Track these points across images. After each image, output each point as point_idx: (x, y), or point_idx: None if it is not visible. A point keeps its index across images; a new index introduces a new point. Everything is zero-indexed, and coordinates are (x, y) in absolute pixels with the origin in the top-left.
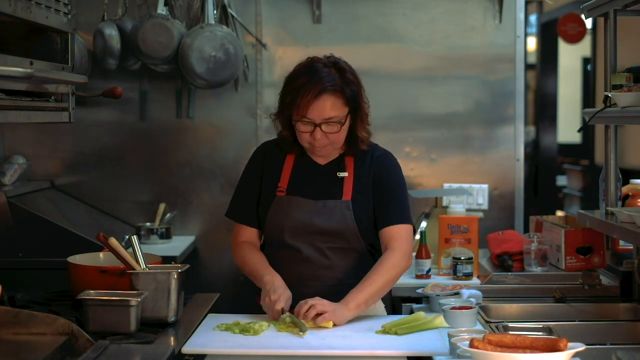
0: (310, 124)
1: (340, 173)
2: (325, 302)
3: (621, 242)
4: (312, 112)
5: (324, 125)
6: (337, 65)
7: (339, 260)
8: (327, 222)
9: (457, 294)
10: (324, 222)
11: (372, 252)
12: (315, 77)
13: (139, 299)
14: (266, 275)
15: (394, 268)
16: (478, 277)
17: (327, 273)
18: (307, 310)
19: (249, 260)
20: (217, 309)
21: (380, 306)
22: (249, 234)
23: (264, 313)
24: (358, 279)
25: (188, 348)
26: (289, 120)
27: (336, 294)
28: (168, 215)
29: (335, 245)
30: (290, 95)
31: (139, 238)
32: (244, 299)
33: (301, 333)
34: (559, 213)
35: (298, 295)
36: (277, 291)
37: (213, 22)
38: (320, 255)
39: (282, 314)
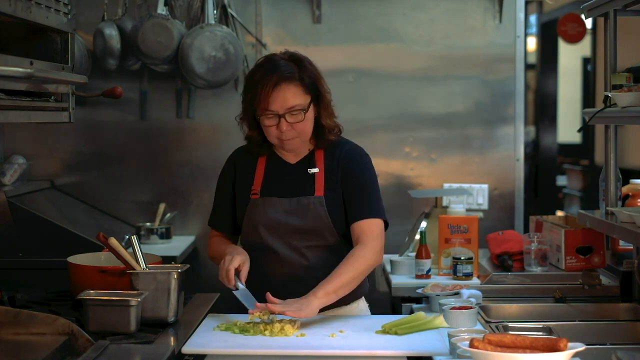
0: (275, 116)
1: (311, 169)
2: (286, 304)
3: (621, 242)
4: (273, 103)
5: (288, 115)
6: (293, 57)
7: (317, 259)
8: (302, 220)
9: (457, 294)
10: (299, 220)
11: (346, 244)
12: (272, 69)
13: (139, 299)
14: (229, 252)
15: (364, 261)
16: (478, 277)
17: (306, 273)
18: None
19: (215, 245)
20: (217, 309)
21: (364, 305)
22: (219, 236)
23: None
24: None
25: (188, 348)
26: (253, 118)
27: None
28: (168, 215)
29: (312, 244)
30: (250, 92)
31: (139, 238)
32: None
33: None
34: (559, 213)
35: (283, 298)
36: (234, 258)
37: (213, 22)
38: (297, 255)
39: (236, 275)
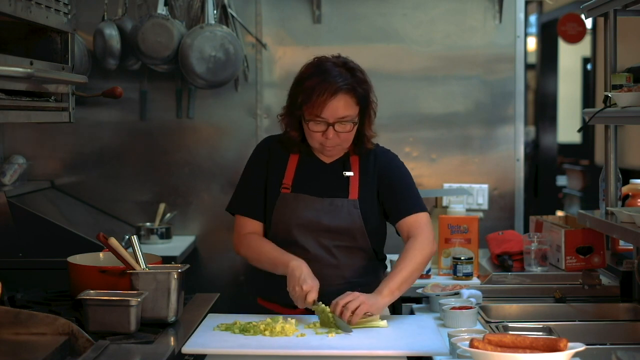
0: (324, 123)
1: (346, 172)
2: (356, 295)
3: (621, 242)
4: (326, 111)
5: (337, 124)
6: (346, 65)
7: (346, 259)
8: (335, 220)
9: (457, 294)
10: (332, 220)
11: (377, 253)
12: (329, 77)
13: (139, 299)
14: (292, 261)
15: (420, 252)
16: (478, 277)
17: (334, 272)
18: (342, 312)
19: (265, 249)
20: (217, 309)
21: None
22: (255, 226)
23: (264, 313)
24: (364, 278)
25: (188, 348)
26: (298, 120)
27: (342, 292)
28: (168, 215)
29: (342, 244)
30: (302, 95)
31: (139, 238)
32: (244, 299)
33: (345, 332)
34: (559, 213)
35: None
36: (307, 281)
37: (213, 22)
38: (327, 253)
39: (314, 305)
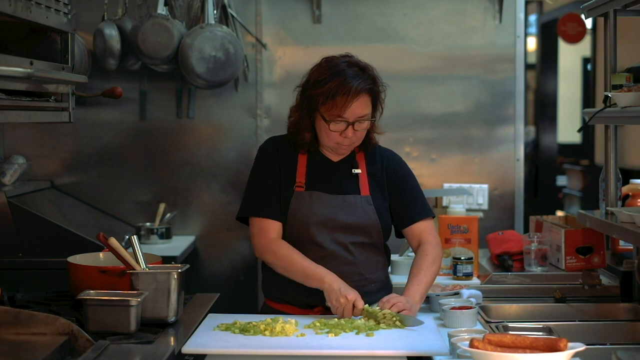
0: (344, 123)
1: (355, 170)
2: (400, 298)
3: (621, 242)
4: (349, 111)
5: (356, 123)
6: (359, 65)
7: (361, 255)
8: (351, 217)
9: (457, 294)
10: (348, 217)
11: (385, 248)
12: (348, 77)
13: (139, 299)
14: (326, 275)
15: (438, 259)
16: (478, 277)
17: (350, 268)
18: (390, 307)
19: (294, 259)
20: (217, 309)
21: None
22: (277, 228)
23: (264, 313)
24: (378, 274)
25: (188, 348)
26: (312, 121)
27: (358, 289)
28: (168, 215)
29: (358, 240)
30: (323, 97)
31: (139, 238)
32: (244, 299)
33: (398, 324)
34: (559, 213)
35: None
36: (350, 291)
37: (213, 22)
38: (344, 250)
39: (363, 311)
